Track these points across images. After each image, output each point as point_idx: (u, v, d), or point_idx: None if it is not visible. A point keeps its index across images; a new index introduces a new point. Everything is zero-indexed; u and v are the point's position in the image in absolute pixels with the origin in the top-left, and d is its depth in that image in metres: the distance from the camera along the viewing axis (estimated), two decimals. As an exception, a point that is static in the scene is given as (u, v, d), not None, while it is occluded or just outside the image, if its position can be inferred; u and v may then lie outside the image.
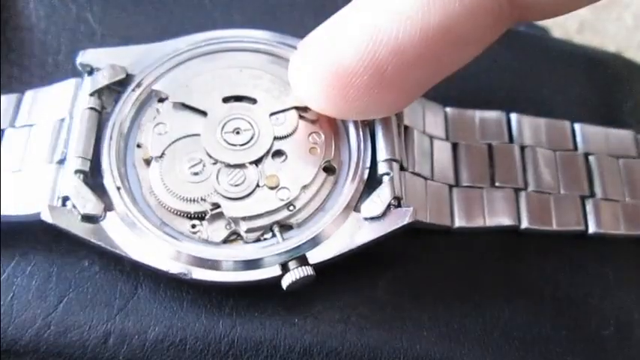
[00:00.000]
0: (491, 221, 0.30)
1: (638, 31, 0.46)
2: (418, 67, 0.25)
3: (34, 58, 0.31)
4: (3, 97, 0.29)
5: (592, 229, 0.31)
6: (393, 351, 0.27)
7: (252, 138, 0.29)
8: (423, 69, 0.25)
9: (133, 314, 0.27)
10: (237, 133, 0.29)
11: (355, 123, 0.29)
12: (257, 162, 0.28)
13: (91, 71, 0.29)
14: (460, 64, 0.26)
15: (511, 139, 0.32)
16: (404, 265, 0.29)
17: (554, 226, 0.30)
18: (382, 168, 0.28)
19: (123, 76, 0.29)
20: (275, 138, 0.29)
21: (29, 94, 0.30)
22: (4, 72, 0.31)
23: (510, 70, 0.36)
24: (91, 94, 0.29)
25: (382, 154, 0.29)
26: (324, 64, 0.25)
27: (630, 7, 0.47)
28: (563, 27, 0.47)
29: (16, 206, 0.27)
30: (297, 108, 0.29)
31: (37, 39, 0.32)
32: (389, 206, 0.28)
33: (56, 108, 0.29)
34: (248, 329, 0.27)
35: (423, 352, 0.27)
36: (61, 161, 0.28)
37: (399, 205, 0.28)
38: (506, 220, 0.30)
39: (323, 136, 0.29)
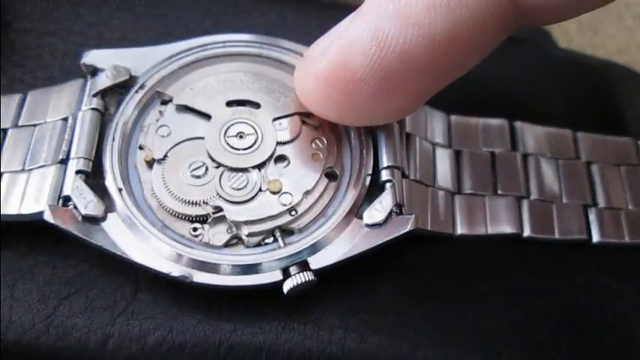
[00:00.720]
0: (493, 229, 0.30)
1: (638, 31, 0.46)
2: (424, 73, 0.25)
3: (37, 59, 0.31)
4: (6, 97, 0.29)
5: (595, 238, 0.31)
6: (392, 357, 0.27)
7: (255, 142, 0.29)
8: (429, 75, 0.25)
9: (133, 318, 0.27)
10: (241, 137, 0.29)
11: (357, 130, 0.29)
12: (260, 166, 0.28)
13: (95, 72, 0.29)
14: (464, 70, 0.27)
15: (514, 147, 0.32)
16: (404, 271, 0.29)
17: (557, 235, 0.31)
18: (384, 175, 0.28)
19: (126, 77, 0.29)
20: (278, 143, 0.29)
21: (33, 94, 0.30)
22: (7, 73, 0.31)
23: (512, 78, 0.36)
24: (94, 95, 0.29)
25: (384, 161, 0.29)
26: (330, 69, 0.25)
27: (630, 7, 0.47)
28: (563, 28, 0.46)
29: (18, 206, 0.27)
30: (300, 113, 0.29)
31: (40, 41, 0.31)
32: (390, 213, 0.28)
33: (59, 108, 0.29)
34: (247, 334, 0.27)
35: (423, 358, 0.27)
36: (64, 161, 0.27)
37: (400, 213, 0.28)
38: (508, 228, 0.30)
39: (326, 143, 0.29)
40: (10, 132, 0.29)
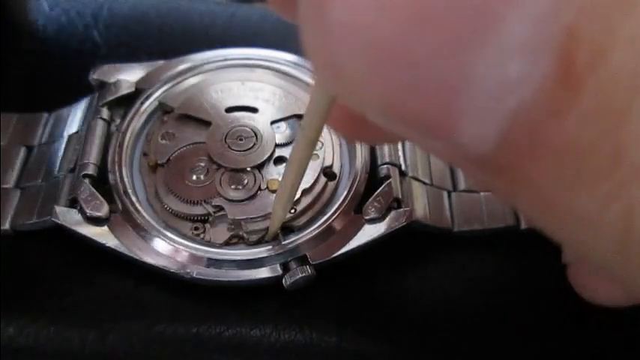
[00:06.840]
0: (491, 224, 0.30)
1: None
2: None
3: (48, 77, 0.33)
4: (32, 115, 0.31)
5: None
6: (389, 346, 0.27)
7: (254, 145, 0.30)
8: None
9: (134, 311, 0.27)
10: (240, 140, 0.30)
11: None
12: (259, 167, 0.29)
13: (102, 85, 0.31)
14: None
15: None
16: (403, 264, 0.29)
17: None
18: (382, 171, 0.29)
19: (132, 90, 0.31)
20: (277, 145, 0.30)
21: (54, 115, 0.32)
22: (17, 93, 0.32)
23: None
24: (102, 106, 0.30)
25: (382, 158, 0.29)
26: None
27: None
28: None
29: (27, 215, 0.28)
30: (297, 116, 0.30)
31: (51, 61, 0.34)
32: (389, 208, 0.28)
33: (74, 123, 0.31)
34: (247, 324, 0.27)
35: (418, 345, 0.27)
36: (72, 169, 0.29)
37: (399, 207, 0.28)
38: (506, 222, 0.30)
39: (324, 144, 0.30)
40: (35, 149, 0.31)
